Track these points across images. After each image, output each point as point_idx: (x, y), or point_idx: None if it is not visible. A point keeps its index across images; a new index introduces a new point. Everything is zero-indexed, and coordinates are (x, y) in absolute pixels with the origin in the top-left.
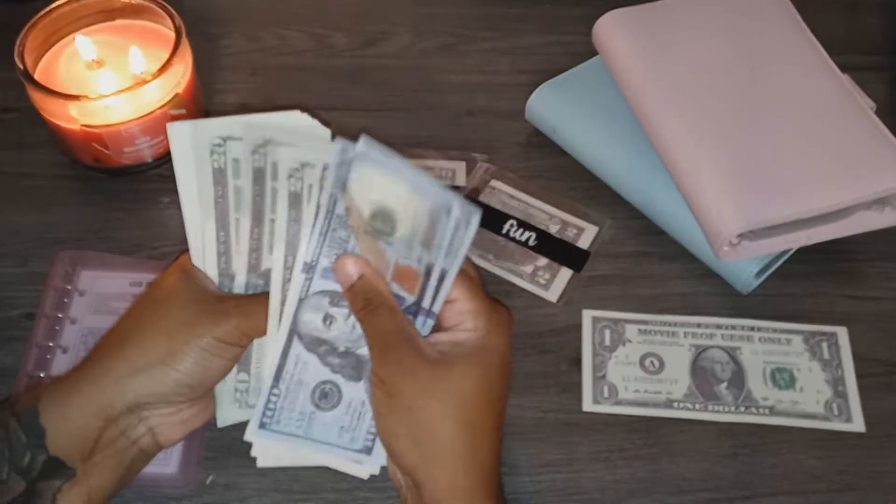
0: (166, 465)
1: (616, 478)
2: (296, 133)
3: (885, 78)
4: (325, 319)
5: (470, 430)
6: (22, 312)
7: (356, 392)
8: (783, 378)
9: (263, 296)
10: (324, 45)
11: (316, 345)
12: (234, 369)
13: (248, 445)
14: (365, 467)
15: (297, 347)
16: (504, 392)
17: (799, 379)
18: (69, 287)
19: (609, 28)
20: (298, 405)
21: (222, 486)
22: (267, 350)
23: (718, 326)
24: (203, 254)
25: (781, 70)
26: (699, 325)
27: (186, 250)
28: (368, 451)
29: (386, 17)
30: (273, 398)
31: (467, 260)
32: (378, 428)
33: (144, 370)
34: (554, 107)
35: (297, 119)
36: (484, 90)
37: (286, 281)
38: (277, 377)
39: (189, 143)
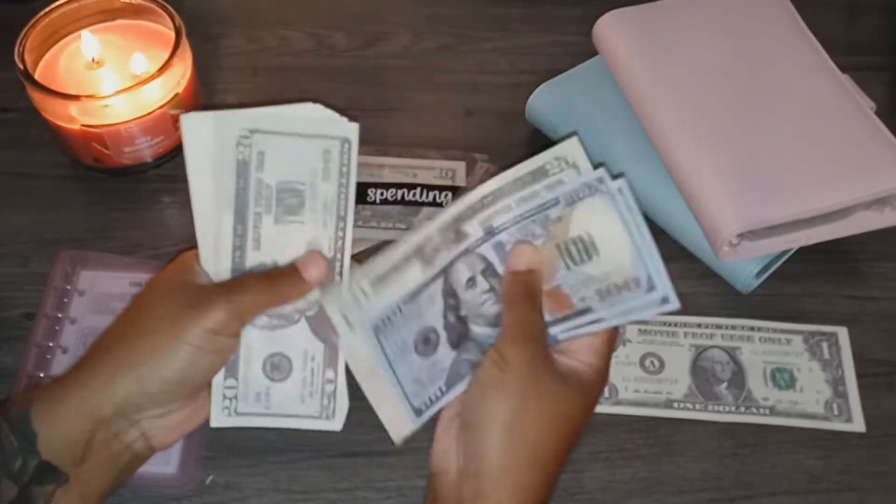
0: (166, 464)
1: (616, 478)
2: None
3: (884, 78)
4: (469, 280)
5: (557, 447)
6: (22, 312)
7: (445, 357)
8: (783, 378)
9: (249, 275)
10: (324, 45)
11: (449, 294)
12: (222, 374)
13: (249, 445)
14: (403, 426)
15: (439, 284)
16: (580, 436)
17: (799, 379)
18: (69, 287)
19: (609, 28)
20: (407, 332)
21: (222, 486)
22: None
23: (718, 326)
24: (214, 248)
25: (781, 70)
26: (699, 325)
27: (186, 249)
28: (419, 413)
29: (386, 18)
30: (396, 312)
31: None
32: (471, 400)
33: (130, 370)
34: (554, 106)
35: (315, 111)
36: (484, 90)
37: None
38: (411, 298)
39: (207, 135)
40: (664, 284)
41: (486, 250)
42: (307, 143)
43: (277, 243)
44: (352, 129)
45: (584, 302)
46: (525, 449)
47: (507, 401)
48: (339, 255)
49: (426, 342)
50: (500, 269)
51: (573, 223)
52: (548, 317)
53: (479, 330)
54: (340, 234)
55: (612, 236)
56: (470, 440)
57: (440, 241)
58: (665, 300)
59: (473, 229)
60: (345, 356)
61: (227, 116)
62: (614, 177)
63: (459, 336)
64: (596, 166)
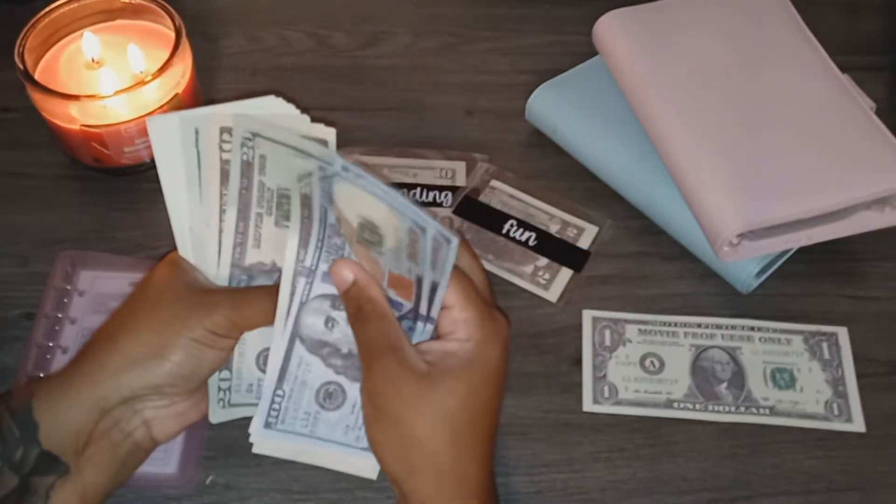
0: (166, 464)
1: (616, 478)
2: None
3: (884, 78)
4: (326, 322)
5: (454, 443)
6: (22, 312)
7: (358, 391)
8: (783, 378)
9: (255, 289)
10: (324, 45)
11: (319, 347)
12: (216, 380)
13: (248, 445)
14: (371, 463)
15: (300, 350)
16: (493, 403)
17: (799, 379)
18: (69, 287)
19: (609, 28)
20: (303, 405)
21: (222, 486)
22: (269, 351)
23: (718, 326)
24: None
25: (781, 70)
26: (699, 326)
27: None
28: None
29: (386, 18)
30: (277, 399)
31: (469, 264)
32: (367, 437)
33: (138, 363)
34: (554, 107)
35: (274, 105)
36: (484, 90)
37: (296, 276)
38: (281, 379)
39: (174, 136)
40: (430, 221)
41: (320, 288)
42: (297, 157)
43: (276, 244)
44: (329, 133)
45: (412, 272)
46: (424, 464)
47: (388, 429)
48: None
49: (329, 397)
50: None
51: (346, 215)
52: (407, 304)
53: None
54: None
55: (373, 206)
56: (385, 470)
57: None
58: (446, 238)
59: (297, 281)
60: (267, 452)
61: (189, 116)
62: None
63: (359, 369)
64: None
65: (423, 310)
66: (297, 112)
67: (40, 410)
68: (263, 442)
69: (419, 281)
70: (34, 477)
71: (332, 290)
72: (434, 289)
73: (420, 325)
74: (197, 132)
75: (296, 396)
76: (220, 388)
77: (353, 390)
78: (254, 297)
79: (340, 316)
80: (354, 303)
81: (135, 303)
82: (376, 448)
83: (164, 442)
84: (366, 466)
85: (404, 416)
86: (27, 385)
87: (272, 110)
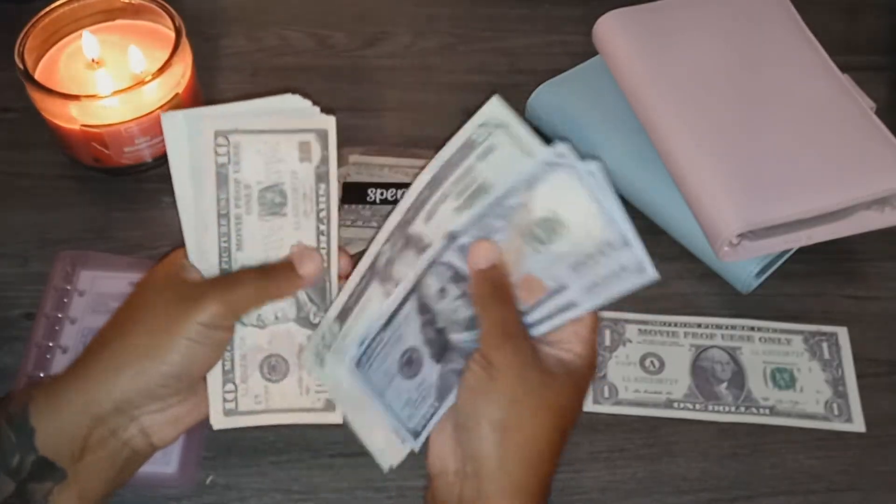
0: (166, 464)
1: (616, 478)
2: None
3: (884, 78)
4: (440, 290)
5: (550, 442)
6: (22, 312)
7: (431, 372)
8: (783, 378)
9: (241, 272)
10: (324, 45)
11: (424, 310)
12: (221, 380)
13: (248, 445)
14: (393, 454)
15: (412, 303)
16: (573, 426)
17: (799, 379)
18: (69, 287)
19: (609, 28)
20: (389, 360)
21: (222, 486)
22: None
23: (718, 326)
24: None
25: (781, 70)
26: (699, 325)
27: (177, 248)
28: (416, 434)
29: (386, 18)
30: (377, 342)
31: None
32: (462, 406)
33: (128, 365)
34: (554, 106)
35: (292, 102)
36: (484, 90)
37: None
38: (388, 323)
39: (183, 134)
40: (638, 246)
41: (451, 256)
42: (283, 138)
43: (263, 242)
44: (329, 121)
45: (557, 281)
46: (520, 448)
47: (497, 402)
48: (324, 248)
49: (409, 363)
50: (467, 272)
51: (536, 206)
52: (523, 306)
53: (457, 337)
54: (323, 227)
55: (579, 207)
56: (466, 443)
57: (391, 252)
58: (641, 267)
59: (436, 241)
60: (329, 392)
61: (198, 115)
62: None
63: (441, 348)
64: (547, 139)
65: (532, 318)
66: (317, 109)
67: (36, 416)
68: (353, 375)
69: (557, 292)
70: (31, 483)
71: (459, 263)
72: (568, 308)
73: None
74: (201, 131)
75: (389, 347)
76: (225, 400)
77: (428, 367)
78: (243, 279)
79: (453, 291)
80: (491, 283)
81: (128, 305)
82: (473, 420)
83: (163, 447)
84: (389, 451)
85: (522, 396)
86: (24, 390)
87: (289, 108)
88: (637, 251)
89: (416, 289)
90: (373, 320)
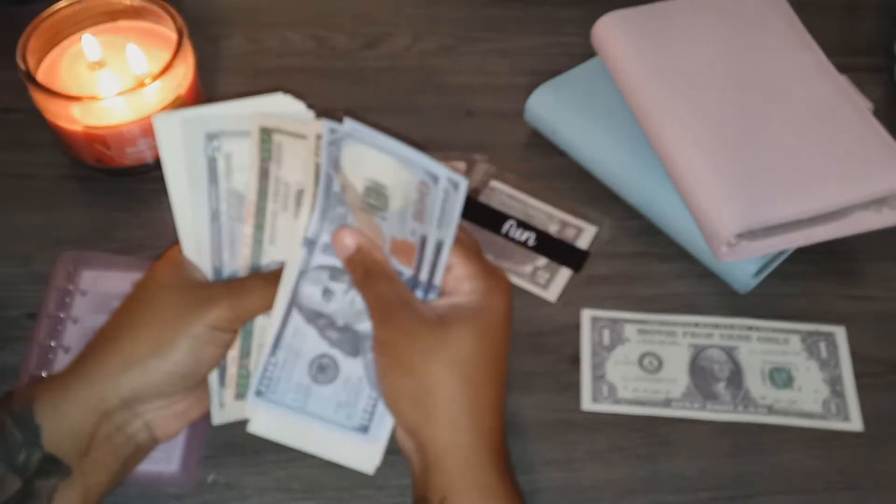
0: (168, 463)
1: (615, 477)
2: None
3: (882, 79)
4: (324, 293)
5: (469, 387)
6: (24, 312)
7: (354, 368)
8: (781, 377)
9: (251, 277)
10: (325, 46)
11: (315, 318)
12: (216, 381)
13: (250, 445)
14: (367, 456)
15: (297, 318)
16: (504, 351)
17: (797, 378)
18: (71, 287)
19: (608, 29)
20: (295, 377)
21: (223, 485)
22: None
23: (717, 326)
24: (196, 247)
25: (780, 71)
26: (697, 325)
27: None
28: (365, 429)
29: (386, 19)
30: (270, 367)
31: (463, 228)
32: (382, 392)
33: (137, 363)
34: (553, 107)
35: (282, 103)
36: (484, 90)
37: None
38: (276, 346)
39: (177, 135)
40: (438, 167)
41: (320, 259)
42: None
43: (256, 245)
44: (321, 126)
45: (416, 234)
46: (441, 409)
47: (403, 378)
48: None
49: (323, 370)
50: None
51: (352, 181)
52: (409, 270)
53: (364, 326)
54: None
55: (381, 166)
56: (399, 424)
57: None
58: (454, 183)
59: (297, 252)
60: (274, 436)
61: (190, 116)
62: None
63: (353, 343)
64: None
65: (424, 276)
66: (304, 109)
67: (42, 413)
68: (257, 417)
69: (423, 242)
70: (37, 480)
71: (332, 262)
72: (439, 249)
73: (420, 293)
74: (193, 132)
75: (289, 366)
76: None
77: (347, 366)
78: (252, 285)
79: (338, 288)
80: (360, 267)
81: (134, 302)
82: (391, 401)
83: (165, 441)
84: (361, 456)
85: (419, 364)
86: (29, 387)
87: (280, 108)
88: (442, 171)
89: (293, 303)
90: (257, 354)
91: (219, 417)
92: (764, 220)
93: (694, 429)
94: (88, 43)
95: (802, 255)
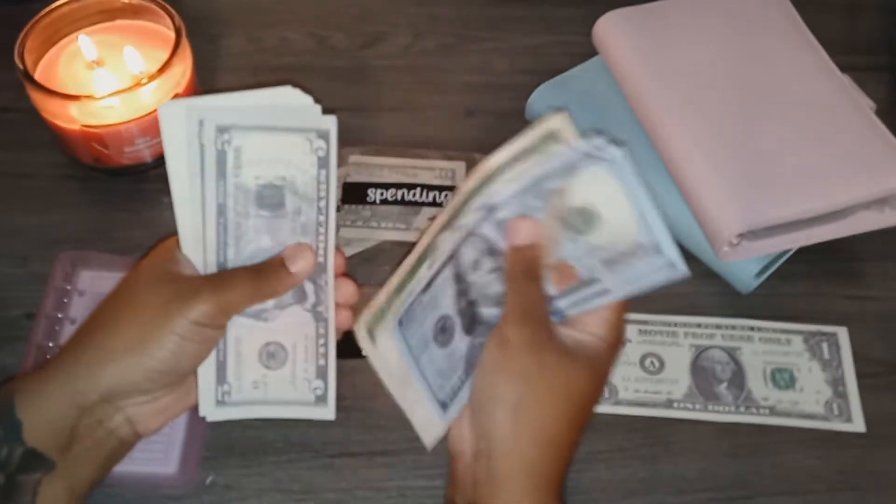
0: (166, 464)
1: (616, 477)
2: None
3: (884, 78)
4: (474, 262)
5: (566, 425)
6: (22, 312)
7: (461, 343)
8: (783, 378)
9: (238, 270)
10: (324, 45)
11: (459, 279)
12: (214, 380)
13: (249, 445)
14: (432, 430)
15: (449, 271)
16: (594, 410)
17: (799, 379)
18: (69, 287)
19: (609, 29)
20: (426, 325)
21: (222, 487)
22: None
23: (718, 326)
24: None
25: (781, 70)
26: (699, 325)
27: (167, 237)
28: (445, 406)
29: (386, 18)
30: (418, 304)
31: None
32: (479, 384)
33: (115, 358)
34: (554, 107)
35: (290, 95)
36: (484, 90)
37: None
38: (427, 287)
39: (181, 126)
40: (670, 248)
41: (488, 229)
42: (284, 136)
43: (260, 240)
44: (330, 121)
45: (590, 272)
46: (533, 429)
47: (511, 382)
48: (321, 247)
49: (443, 331)
50: (503, 247)
51: (574, 193)
52: (553, 290)
53: (487, 311)
54: (322, 228)
55: (615, 204)
56: (479, 422)
57: (443, 239)
58: (672, 265)
59: (473, 213)
60: (376, 367)
61: (198, 106)
62: (613, 143)
63: (471, 321)
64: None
65: (563, 304)
66: (312, 102)
67: (22, 408)
68: (381, 341)
69: (590, 281)
70: (20, 475)
71: (494, 238)
72: (597, 295)
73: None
74: (201, 124)
75: (426, 312)
76: (218, 391)
77: (458, 338)
78: (237, 278)
79: (487, 265)
80: (525, 262)
81: (117, 297)
82: (489, 400)
83: (147, 436)
84: (429, 427)
85: (537, 378)
86: (8, 382)
87: (287, 101)
88: (669, 255)
89: (453, 256)
90: (415, 286)
91: (214, 415)
92: (765, 220)
93: (695, 430)
94: (86, 42)
95: (804, 256)
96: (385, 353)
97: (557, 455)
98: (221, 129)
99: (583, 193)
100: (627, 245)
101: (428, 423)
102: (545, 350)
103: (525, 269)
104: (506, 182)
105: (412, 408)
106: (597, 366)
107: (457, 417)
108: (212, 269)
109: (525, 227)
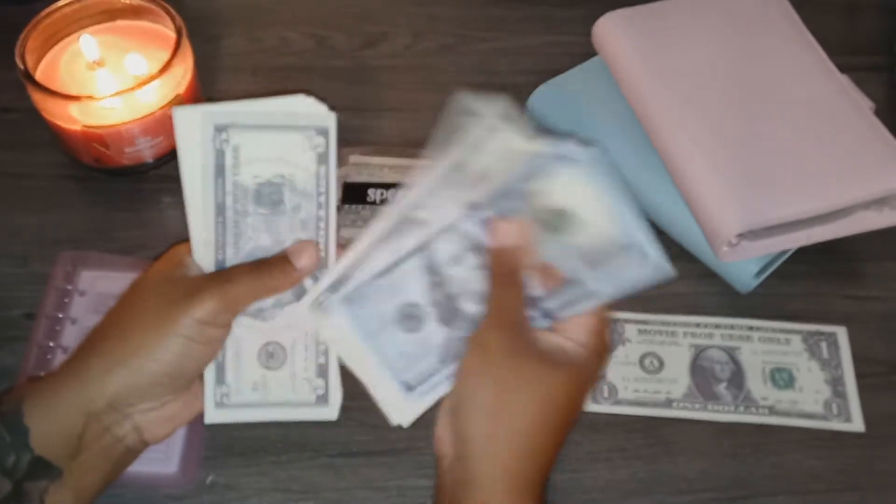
0: (167, 464)
1: (616, 477)
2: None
3: (883, 78)
4: (454, 257)
5: (543, 430)
6: (23, 312)
7: (436, 334)
8: (782, 378)
9: (239, 266)
10: (324, 45)
11: (432, 272)
12: (213, 380)
13: (249, 445)
14: (402, 410)
15: (418, 262)
16: (576, 417)
17: (798, 379)
18: (70, 287)
19: (609, 29)
20: (381, 309)
21: (222, 486)
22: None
23: (718, 326)
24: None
25: (781, 70)
26: (698, 325)
27: (177, 243)
28: (410, 388)
29: (386, 18)
30: (368, 286)
31: None
32: (458, 387)
33: (122, 363)
34: (554, 107)
35: (305, 104)
36: (484, 90)
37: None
38: (387, 272)
39: (195, 130)
40: (652, 248)
41: (472, 227)
42: (283, 135)
43: (260, 238)
44: (330, 118)
45: (575, 273)
46: (509, 433)
47: (488, 387)
48: (322, 243)
49: (410, 318)
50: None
51: (553, 195)
52: (539, 292)
53: (470, 307)
54: (322, 224)
55: (596, 206)
56: (457, 425)
57: (398, 229)
58: (654, 264)
59: (455, 211)
60: (328, 342)
61: (212, 111)
62: (585, 145)
63: (450, 314)
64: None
65: (551, 305)
66: (326, 110)
67: (30, 415)
68: (331, 321)
69: (573, 283)
70: (27, 482)
71: (475, 235)
72: (584, 297)
73: (537, 314)
74: (215, 129)
75: (382, 297)
76: (217, 392)
77: (431, 328)
78: (238, 274)
79: (470, 262)
80: (507, 265)
81: (124, 302)
82: (466, 403)
83: (155, 444)
84: (396, 407)
85: (514, 384)
86: (17, 389)
87: (302, 109)
88: (651, 254)
89: (423, 248)
90: (369, 269)
91: (213, 417)
92: (765, 220)
93: (695, 429)
94: (87, 42)
95: (803, 255)
96: (334, 324)
97: (535, 459)
98: (219, 129)
99: (562, 195)
100: (608, 246)
101: (392, 402)
102: (523, 356)
103: (505, 272)
104: (435, 170)
105: (372, 383)
106: (577, 372)
107: (441, 418)
108: (211, 269)
109: (505, 229)
